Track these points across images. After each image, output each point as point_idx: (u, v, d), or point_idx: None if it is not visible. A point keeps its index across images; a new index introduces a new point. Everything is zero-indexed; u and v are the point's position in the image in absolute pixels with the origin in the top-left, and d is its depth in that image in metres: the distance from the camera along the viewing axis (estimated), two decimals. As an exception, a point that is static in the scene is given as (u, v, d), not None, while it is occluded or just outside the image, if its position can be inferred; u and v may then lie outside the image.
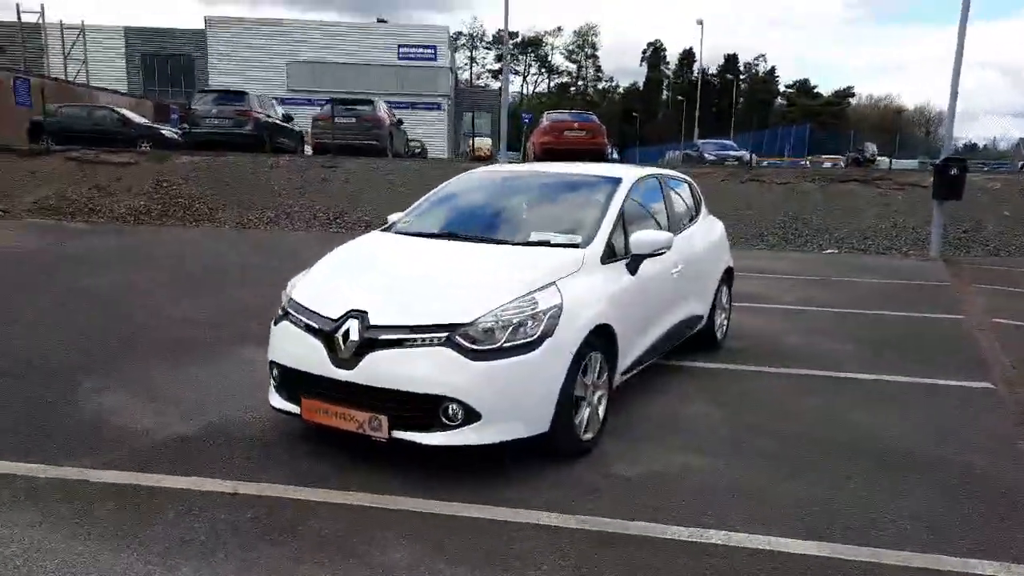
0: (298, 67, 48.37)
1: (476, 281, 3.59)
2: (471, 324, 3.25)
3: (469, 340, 3.22)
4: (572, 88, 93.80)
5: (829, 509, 3.21)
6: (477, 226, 4.42)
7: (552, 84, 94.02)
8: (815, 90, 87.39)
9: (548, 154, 17.15)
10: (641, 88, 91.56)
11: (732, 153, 27.74)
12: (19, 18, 30.69)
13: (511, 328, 3.28)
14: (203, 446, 3.65)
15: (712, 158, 27.14)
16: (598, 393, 3.82)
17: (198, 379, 4.71)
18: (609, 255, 4.07)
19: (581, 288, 3.69)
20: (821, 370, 5.46)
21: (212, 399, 4.33)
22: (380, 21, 55.46)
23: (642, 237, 4.17)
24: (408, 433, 3.24)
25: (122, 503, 3.03)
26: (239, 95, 17.76)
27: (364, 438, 3.31)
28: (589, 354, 3.65)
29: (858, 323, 7.34)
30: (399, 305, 3.42)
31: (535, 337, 3.31)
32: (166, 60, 51.43)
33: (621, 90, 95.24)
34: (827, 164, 33.65)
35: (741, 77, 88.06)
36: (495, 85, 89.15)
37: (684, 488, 3.38)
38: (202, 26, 48.61)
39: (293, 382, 3.55)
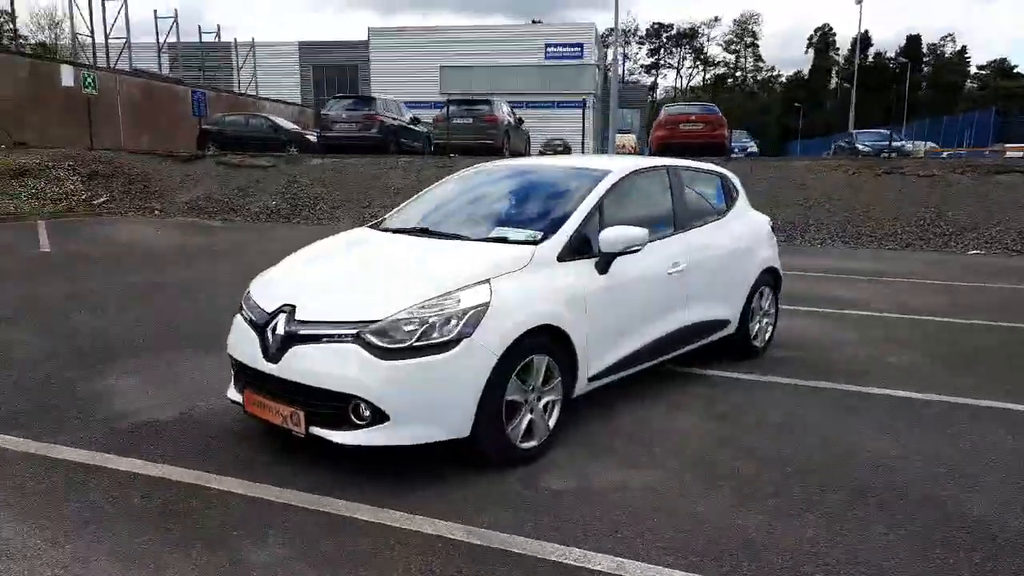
0: (450, 71, 50.16)
1: (409, 277, 3.52)
2: (382, 321, 3.19)
3: (379, 337, 3.16)
4: (729, 80, 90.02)
5: (756, 545, 2.82)
6: (450, 222, 4.34)
7: (707, 76, 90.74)
8: (1015, 70, 77.61)
9: (663, 149, 16.56)
10: (806, 76, 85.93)
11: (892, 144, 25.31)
12: (200, 38, 34.38)
13: (426, 326, 3.18)
14: (168, 432, 3.86)
15: (867, 150, 24.96)
16: (546, 399, 3.61)
17: (215, 368, 5.00)
18: (575, 252, 3.84)
19: (521, 286, 3.50)
20: (868, 387, 4.83)
21: (211, 387, 4.57)
22: (534, 22, 56.18)
23: (610, 234, 3.89)
24: (323, 430, 3.23)
25: (59, 479, 3.28)
26: (367, 100, 18.73)
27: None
28: (531, 357, 3.47)
29: (957, 335, 6.43)
30: (326, 300, 3.43)
31: (451, 336, 3.18)
32: (334, 70, 55.15)
33: (783, 79, 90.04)
34: (1013, 154, 29.76)
35: (925, 59, 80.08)
36: (646, 80, 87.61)
37: (610, 507, 3.11)
38: (366, 37, 51.83)
39: (241, 374, 3.67)
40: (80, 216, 14.96)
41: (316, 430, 3.24)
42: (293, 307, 3.40)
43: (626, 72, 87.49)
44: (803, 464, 3.59)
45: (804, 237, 13.46)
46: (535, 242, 3.77)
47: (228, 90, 32.91)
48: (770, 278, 5.58)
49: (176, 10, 30.42)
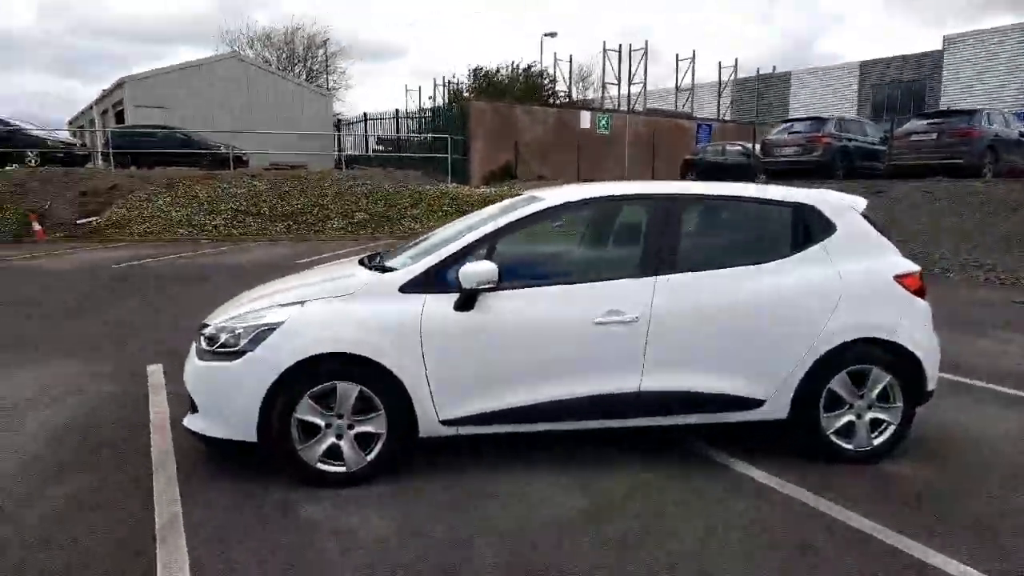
0: (1046, 75, 40.72)
1: (275, 295, 3.89)
2: (210, 326, 3.74)
3: (205, 340, 3.72)
4: None
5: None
6: (403, 251, 4.37)
7: None
8: None
9: None
10: None
11: None
12: (719, 75, 36.02)
13: (228, 335, 3.60)
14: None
15: None
16: (362, 429, 3.57)
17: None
18: (433, 286, 3.60)
19: (331, 313, 3.57)
20: (943, 555, 2.99)
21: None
22: None
23: (465, 269, 3.50)
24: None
25: None
26: (816, 121, 17.20)
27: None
28: (334, 383, 3.52)
29: None
30: (225, 308, 4.10)
31: (237, 348, 3.54)
32: (897, 87, 50.56)
33: None
34: None
35: None
36: None
37: (302, 544, 3.05)
38: (940, 47, 46.04)
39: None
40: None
41: (192, 415, 3.94)
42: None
43: None
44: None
45: None
46: (384, 270, 3.73)
47: (732, 120, 33.69)
48: (885, 355, 3.77)
49: (693, 51, 32.69)
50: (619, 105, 31.03)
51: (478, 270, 3.48)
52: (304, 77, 40.87)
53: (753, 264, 3.84)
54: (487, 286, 3.49)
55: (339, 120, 34.64)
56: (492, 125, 24.36)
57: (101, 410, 4.76)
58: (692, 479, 3.68)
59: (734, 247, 4.00)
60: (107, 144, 23.34)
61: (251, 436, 3.55)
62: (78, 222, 18.07)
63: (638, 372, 3.68)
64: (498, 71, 30.73)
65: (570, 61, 32.09)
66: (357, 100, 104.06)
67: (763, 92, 43.66)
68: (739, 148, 23.53)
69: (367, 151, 30.36)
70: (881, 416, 3.85)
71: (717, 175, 21.37)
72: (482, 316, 3.57)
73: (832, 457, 3.82)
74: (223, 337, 3.62)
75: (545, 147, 25.11)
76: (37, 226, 17.40)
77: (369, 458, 3.59)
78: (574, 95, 33.22)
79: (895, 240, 4.15)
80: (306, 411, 3.52)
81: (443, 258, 3.67)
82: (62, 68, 75.97)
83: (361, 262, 4.23)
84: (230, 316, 3.74)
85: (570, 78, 32.61)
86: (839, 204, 4.01)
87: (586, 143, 25.23)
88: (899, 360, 3.82)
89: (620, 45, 30.80)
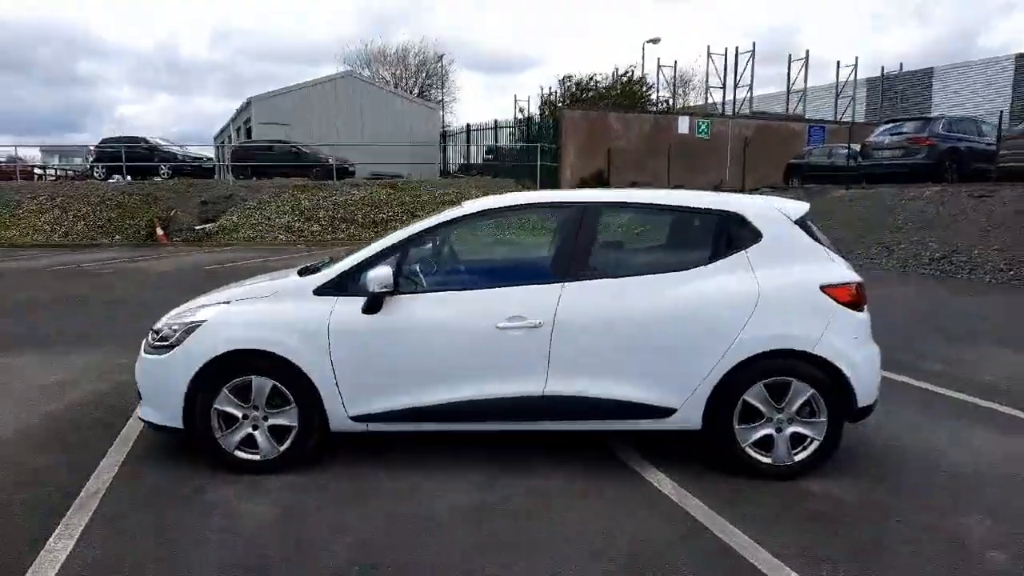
0: None
1: (212, 294, 4.20)
2: (157, 323, 4.09)
3: (151, 334, 4.08)
4: None
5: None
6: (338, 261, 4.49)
7: None
8: None
9: None
10: None
11: None
12: (831, 74, 33.99)
13: (165, 331, 3.93)
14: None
15: None
16: (275, 422, 3.79)
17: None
18: (345, 289, 3.79)
19: (249, 313, 3.84)
20: None
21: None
22: None
23: (369, 274, 3.65)
24: (141, 407, 4.29)
25: None
26: (923, 121, 15.91)
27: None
28: (250, 377, 3.76)
29: None
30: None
31: (169, 343, 3.86)
32: (1057, 81, 45.59)
33: None
34: None
35: None
36: None
37: (196, 515, 3.31)
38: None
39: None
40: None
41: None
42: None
43: None
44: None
45: None
46: (303, 274, 3.95)
47: (847, 122, 31.60)
48: (807, 368, 3.55)
49: (807, 51, 30.95)
50: (723, 110, 30.01)
51: (378, 275, 3.62)
52: (417, 92, 42.48)
53: (669, 272, 3.73)
54: (385, 290, 3.62)
55: (444, 131, 35.77)
56: (584, 133, 24.33)
57: (107, 396, 5.28)
58: (594, 485, 3.63)
59: (651, 255, 3.92)
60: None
61: (178, 423, 3.86)
62: (196, 228, 19.81)
63: (542, 377, 3.67)
64: (591, 79, 30.68)
65: (674, 67, 31.33)
66: (475, 112, 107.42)
67: (903, 92, 40.63)
68: (847, 151, 22.16)
69: (469, 160, 31.20)
70: (803, 431, 3.62)
71: (821, 179, 20.33)
72: (389, 319, 3.71)
73: (750, 471, 3.64)
74: (164, 331, 3.96)
75: (640, 154, 24.74)
76: (160, 231, 19.26)
77: (282, 448, 3.80)
78: (676, 101, 32.41)
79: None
80: (225, 402, 3.79)
81: (353, 264, 3.84)
82: (224, 89, 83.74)
83: (302, 269, 4.46)
84: (174, 313, 4.08)
85: (674, 84, 31.91)
86: (768, 211, 3.80)
87: (684, 149, 24.59)
88: (824, 374, 3.58)
89: (725, 48, 29.84)
